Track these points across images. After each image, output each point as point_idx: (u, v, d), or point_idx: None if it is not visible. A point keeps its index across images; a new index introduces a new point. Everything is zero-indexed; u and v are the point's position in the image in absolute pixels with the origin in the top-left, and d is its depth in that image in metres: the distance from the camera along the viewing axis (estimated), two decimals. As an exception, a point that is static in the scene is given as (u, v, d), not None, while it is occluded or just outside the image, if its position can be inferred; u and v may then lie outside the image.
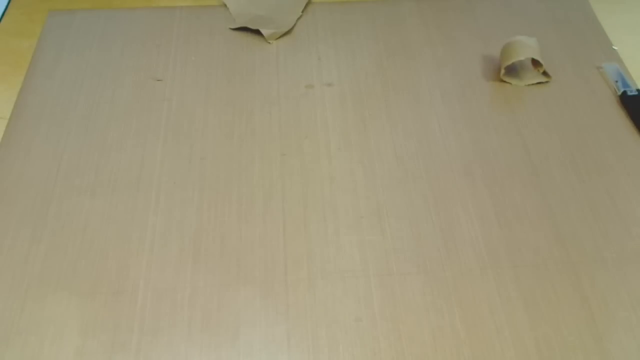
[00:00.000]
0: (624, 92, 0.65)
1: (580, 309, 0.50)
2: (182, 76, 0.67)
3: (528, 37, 0.66)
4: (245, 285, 0.51)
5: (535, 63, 0.67)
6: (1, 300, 0.50)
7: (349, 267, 0.52)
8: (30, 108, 0.64)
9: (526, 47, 0.65)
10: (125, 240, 0.53)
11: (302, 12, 0.74)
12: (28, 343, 0.47)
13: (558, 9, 0.76)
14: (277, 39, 0.71)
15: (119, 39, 0.71)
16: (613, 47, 0.71)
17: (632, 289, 0.51)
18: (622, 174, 0.59)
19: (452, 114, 0.64)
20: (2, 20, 0.74)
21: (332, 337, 0.48)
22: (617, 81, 0.67)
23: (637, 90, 0.65)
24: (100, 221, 0.55)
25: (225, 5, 0.75)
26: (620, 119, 0.64)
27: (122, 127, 0.62)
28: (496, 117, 0.64)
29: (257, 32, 0.72)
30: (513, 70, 0.67)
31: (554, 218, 0.56)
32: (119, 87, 0.66)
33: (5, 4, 0.76)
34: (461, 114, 0.64)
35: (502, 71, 0.66)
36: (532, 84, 0.67)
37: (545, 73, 0.67)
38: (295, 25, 0.73)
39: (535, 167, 0.60)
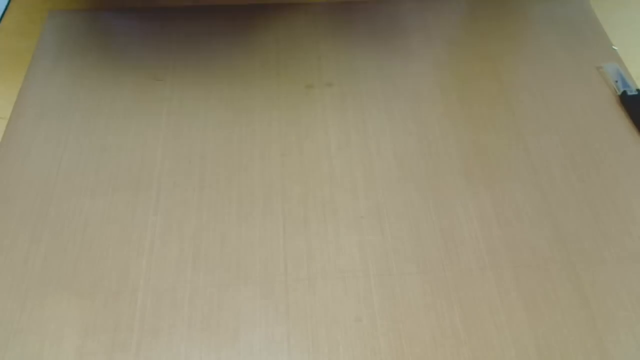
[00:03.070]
0: (624, 92, 0.65)
1: (580, 309, 0.50)
2: (182, 76, 0.67)
3: None
4: (245, 285, 0.51)
5: None
6: (1, 300, 0.49)
7: (349, 267, 0.52)
8: (30, 108, 0.64)
9: None
10: (125, 240, 0.53)
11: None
12: (28, 343, 0.47)
13: (558, 9, 0.76)
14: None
15: (119, 39, 0.71)
16: (613, 47, 0.71)
17: (632, 289, 0.51)
18: (622, 174, 0.59)
19: (452, 114, 0.64)
20: (2, 20, 0.74)
21: (332, 337, 0.48)
22: (617, 81, 0.66)
23: (637, 90, 0.65)
24: (100, 221, 0.55)
25: (225, 5, 0.74)
26: (620, 119, 0.64)
27: (122, 127, 0.62)
28: (496, 117, 0.64)
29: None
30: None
31: (554, 218, 0.56)
32: (119, 87, 0.66)
33: (5, 4, 0.76)
34: (461, 114, 0.64)
35: None
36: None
37: None
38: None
39: (535, 167, 0.60)
